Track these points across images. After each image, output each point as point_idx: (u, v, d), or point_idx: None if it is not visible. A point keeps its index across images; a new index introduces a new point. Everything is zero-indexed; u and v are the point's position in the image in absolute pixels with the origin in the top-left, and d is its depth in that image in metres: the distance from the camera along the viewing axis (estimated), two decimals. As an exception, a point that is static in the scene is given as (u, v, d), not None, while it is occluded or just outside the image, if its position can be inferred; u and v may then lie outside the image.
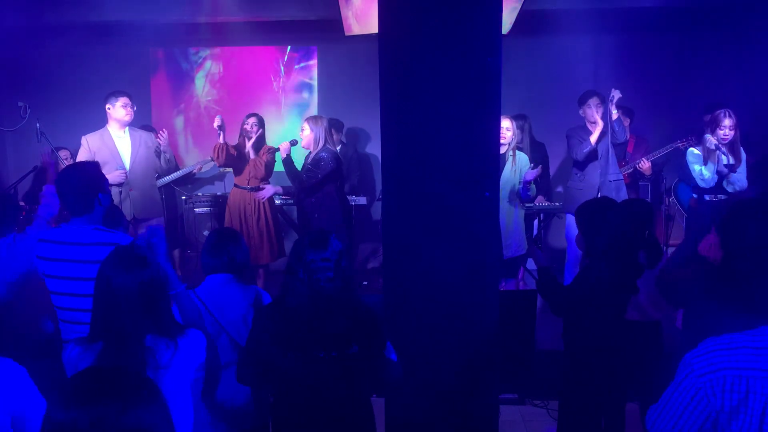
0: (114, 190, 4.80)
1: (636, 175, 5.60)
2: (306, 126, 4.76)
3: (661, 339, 3.29)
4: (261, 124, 5.16)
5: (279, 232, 5.32)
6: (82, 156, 4.83)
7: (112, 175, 4.73)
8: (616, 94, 4.81)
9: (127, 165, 4.87)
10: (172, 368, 1.95)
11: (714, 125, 4.64)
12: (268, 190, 5.09)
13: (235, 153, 5.11)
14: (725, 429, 1.53)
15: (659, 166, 5.70)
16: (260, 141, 5.14)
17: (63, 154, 5.35)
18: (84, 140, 4.88)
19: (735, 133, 4.63)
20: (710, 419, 1.55)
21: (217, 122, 5.00)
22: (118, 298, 1.94)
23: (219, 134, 4.99)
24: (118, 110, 4.86)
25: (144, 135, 5.06)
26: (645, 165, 5.40)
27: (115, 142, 4.90)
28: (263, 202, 5.16)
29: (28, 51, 6.04)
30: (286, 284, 2.22)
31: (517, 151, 4.84)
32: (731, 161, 4.63)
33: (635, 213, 3.27)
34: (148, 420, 1.20)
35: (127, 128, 4.95)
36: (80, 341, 2.01)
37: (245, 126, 5.11)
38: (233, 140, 5.26)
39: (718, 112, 4.67)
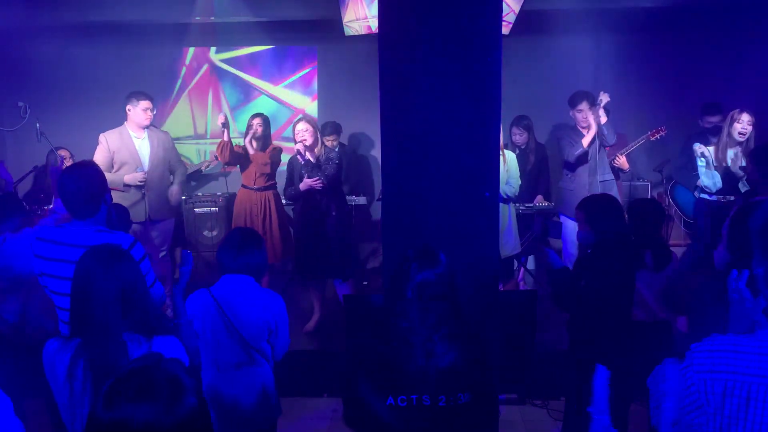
0: (133, 192, 4.83)
1: (615, 172, 5.62)
2: (309, 126, 4.65)
3: (672, 339, 3.27)
4: (267, 123, 5.16)
5: (286, 233, 5.32)
6: (99, 153, 4.80)
7: (131, 177, 4.77)
8: (604, 98, 4.82)
9: (146, 167, 4.87)
10: None
11: (731, 122, 4.60)
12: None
13: (243, 152, 5.12)
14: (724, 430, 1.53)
15: (659, 166, 5.70)
16: (266, 140, 5.15)
17: (62, 153, 5.35)
18: (103, 138, 4.83)
19: (751, 132, 4.60)
20: (701, 408, 1.55)
21: (221, 119, 5.01)
22: (97, 295, 1.95)
23: (223, 132, 5.00)
24: (139, 113, 4.83)
25: (162, 136, 5.04)
26: (620, 160, 5.37)
27: (135, 144, 4.89)
28: (270, 203, 5.15)
29: (28, 51, 6.04)
30: (389, 309, 1.95)
31: (505, 150, 4.86)
32: (743, 163, 4.59)
33: (647, 213, 3.28)
34: (190, 418, 1.21)
35: (146, 129, 4.95)
36: (59, 338, 2.03)
37: (250, 126, 5.11)
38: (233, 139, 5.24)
39: (735, 110, 4.63)
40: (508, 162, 4.84)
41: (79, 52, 6.25)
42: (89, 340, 1.94)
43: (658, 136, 5.33)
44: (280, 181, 5.25)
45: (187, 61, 6.80)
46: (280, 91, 6.85)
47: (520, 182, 4.95)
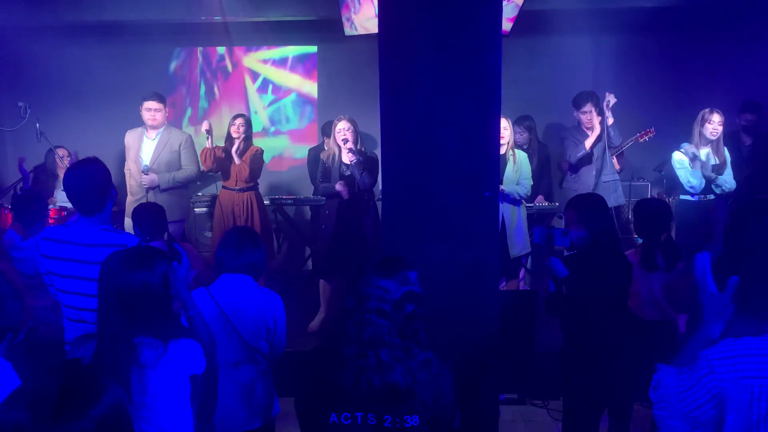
0: (138, 191, 4.88)
1: None
2: (350, 124, 4.59)
3: (675, 338, 3.27)
4: (248, 124, 5.15)
5: (269, 233, 5.32)
6: (126, 150, 5.05)
7: (135, 179, 4.91)
8: (611, 99, 4.82)
9: (145, 167, 4.90)
10: (158, 370, 1.95)
11: (702, 122, 4.65)
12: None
13: (223, 155, 5.08)
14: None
15: (659, 166, 5.70)
16: (247, 142, 5.13)
17: (60, 152, 5.35)
18: (126, 135, 5.05)
19: (721, 132, 4.65)
20: (728, 416, 1.54)
21: (205, 126, 5.02)
22: (116, 296, 1.96)
23: (207, 138, 5.00)
24: (143, 113, 4.92)
25: (174, 137, 5.02)
26: (616, 164, 5.41)
27: (144, 144, 4.94)
28: (252, 204, 5.15)
29: (28, 51, 6.04)
30: (340, 318, 1.85)
31: (516, 150, 4.85)
32: (716, 161, 4.64)
33: (655, 213, 3.27)
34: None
35: (161, 129, 4.97)
36: (87, 335, 2.04)
37: (232, 127, 5.09)
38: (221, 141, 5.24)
39: (705, 109, 4.69)
40: (519, 162, 4.81)
41: (79, 53, 6.25)
42: (103, 341, 1.95)
43: (647, 137, 5.35)
44: (262, 182, 5.32)
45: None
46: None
47: (531, 182, 4.93)
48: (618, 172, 5.51)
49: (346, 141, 4.55)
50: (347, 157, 4.59)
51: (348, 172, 4.61)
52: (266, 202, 5.58)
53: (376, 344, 1.75)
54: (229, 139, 5.11)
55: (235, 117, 5.15)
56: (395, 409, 1.74)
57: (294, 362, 3.21)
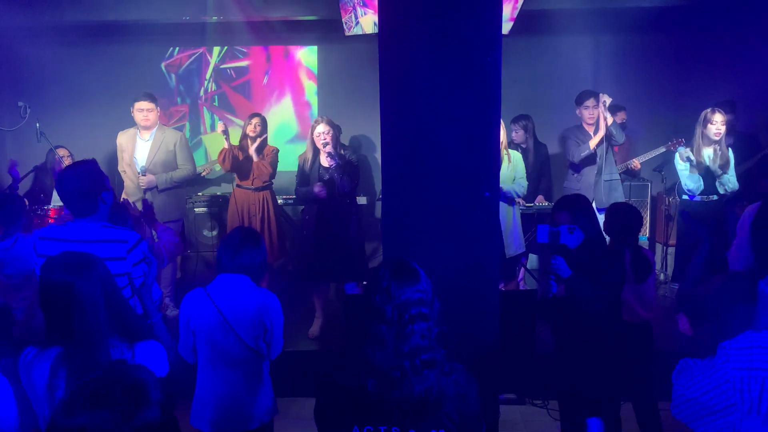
0: (135, 192, 4.88)
1: (627, 174, 5.68)
2: (329, 127, 4.47)
3: (651, 339, 3.29)
4: (264, 124, 5.13)
5: (282, 232, 5.32)
6: (119, 151, 5.02)
7: (131, 180, 4.91)
8: (606, 99, 4.82)
9: (142, 169, 4.89)
10: None
11: (705, 122, 4.63)
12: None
13: (240, 156, 5.05)
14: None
15: (659, 167, 5.71)
16: (263, 141, 5.12)
17: (61, 152, 5.35)
18: (118, 136, 5.03)
19: (724, 132, 4.62)
20: (734, 406, 1.56)
21: (220, 128, 4.98)
22: (81, 303, 1.87)
23: (225, 139, 4.98)
24: (135, 114, 4.91)
25: (168, 137, 5.01)
26: (638, 166, 5.44)
27: (137, 144, 4.93)
28: (268, 203, 5.13)
29: (28, 51, 6.04)
30: (365, 329, 1.70)
31: (510, 150, 4.85)
32: (719, 162, 4.61)
33: (627, 218, 3.26)
34: (151, 424, 1.18)
35: (155, 129, 4.96)
36: (35, 346, 1.95)
37: (248, 126, 5.08)
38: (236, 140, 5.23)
39: (707, 109, 4.66)
40: (514, 161, 4.82)
41: (79, 52, 6.26)
42: (75, 350, 1.86)
43: (678, 145, 5.36)
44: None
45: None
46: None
47: (527, 182, 4.94)
48: (637, 172, 5.54)
49: (326, 144, 4.42)
50: (327, 161, 4.50)
51: (327, 176, 4.50)
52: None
53: (418, 352, 1.67)
54: (245, 139, 5.08)
55: (252, 116, 5.12)
56: (420, 423, 1.66)
57: (294, 362, 3.23)
